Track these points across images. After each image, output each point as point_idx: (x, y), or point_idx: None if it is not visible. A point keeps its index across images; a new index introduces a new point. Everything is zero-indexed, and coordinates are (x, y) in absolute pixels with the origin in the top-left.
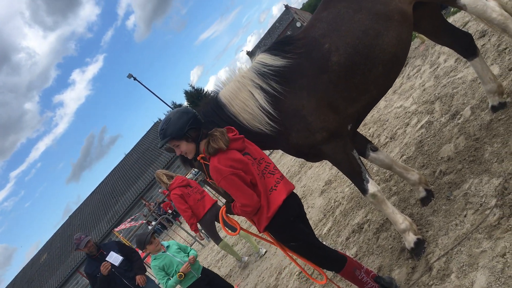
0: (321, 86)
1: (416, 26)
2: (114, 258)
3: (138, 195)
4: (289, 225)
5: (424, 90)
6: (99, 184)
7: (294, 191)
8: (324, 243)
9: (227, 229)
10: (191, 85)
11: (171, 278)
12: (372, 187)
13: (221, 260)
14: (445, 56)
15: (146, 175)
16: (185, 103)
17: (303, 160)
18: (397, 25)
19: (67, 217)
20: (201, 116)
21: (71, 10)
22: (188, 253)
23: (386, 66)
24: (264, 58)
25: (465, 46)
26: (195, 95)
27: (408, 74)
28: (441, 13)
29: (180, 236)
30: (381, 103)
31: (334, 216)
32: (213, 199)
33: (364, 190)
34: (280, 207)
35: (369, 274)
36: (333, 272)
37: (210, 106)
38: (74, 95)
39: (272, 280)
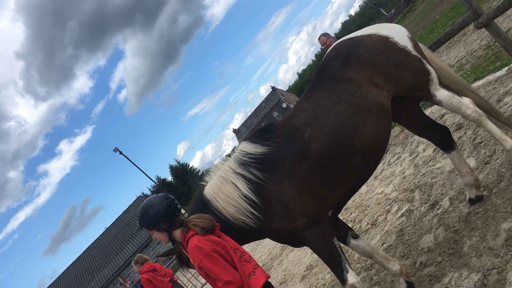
0: (302, 173)
1: (395, 117)
2: None
3: (115, 272)
4: None
5: (404, 177)
6: (76, 259)
7: (273, 276)
8: None
9: None
10: (176, 160)
11: None
12: (351, 277)
13: None
14: (424, 145)
15: (125, 251)
16: (170, 178)
17: None
18: (375, 117)
19: None
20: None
21: (64, 82)
22: None
23: (364, 156)
24: (244, 147)
25: (442, 139)
26: (180, 170)
27: (389, 161)
28: (419, 106)
29: None
30: (363, 188)
31: None
32: (174, 277)
33: (343, 281)
34: None
35: None
36: None
37: (196, 205)
38: (60, 165)
39: None
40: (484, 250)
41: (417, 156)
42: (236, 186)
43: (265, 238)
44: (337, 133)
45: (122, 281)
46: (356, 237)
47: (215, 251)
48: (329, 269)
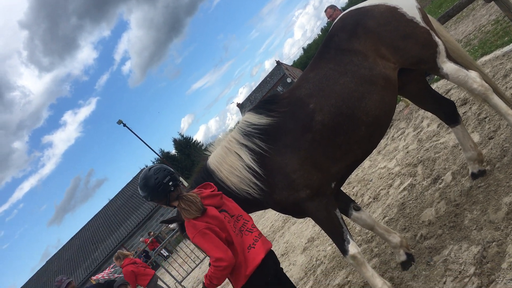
0: (305, 145)
1: (401, 90)
2: None
3: (118, 242)
4: (265, 286)
5: (407, 152)
6: (80, 229)
7: (275, 247)
8: None
9: None
10: (180, 134)
11: None
12: (352, 248)
13: None
14: (428, 120)
15: (129, 222)
16: (173, 151)
17: (287, 216)
18: (380, 89)
19: (45, 262)
20: (192, 185)
21: (68, 53)
22: None
23: (369, 128)
24: (249, 117)
25: (448, 113)
26: (184, 144)
27: (393, 136)
28: (426, 79)
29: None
30: (366, 162)
31: (315, 275)
32: (152, 270)
33: (344, 251)
34: (258, 266)
35: None
36: None
37: (200, 175)
38: (64, 136)
39: None
40: (484, 223)
41: (421, 131)
42: (240, 156)
43: (268, 208)
44: (342, 104)
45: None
46: (358, 209)
47: (208, 228)
48: (330, 241)
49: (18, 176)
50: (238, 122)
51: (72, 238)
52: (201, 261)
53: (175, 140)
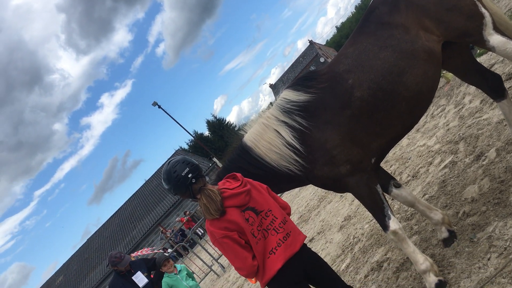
0: (344, 121)
1: (445, 64)
2: (140, 279)
3: (156, 221)
4: None
5: (448, 129)
6: (119, 209)
7: (310, 227)
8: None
9: None
10: (213, 115)
11: None
12: (394, 224)
13: None
14: (471, 97)
15: (165, 202)
16: (207, 132)
17: (323, 194)
18: (422, 63)
19: (86, 240)
20: (226, 163)
21: (104, 35)
22: (192, 279)
23: (409, 103)
24: (287, 94)
25: (493, 87)
26: (217, 125)
27: (432, 113)
28: (471, 52)
29: (195, 264)
30: (404, 141)
31: (353, 253)
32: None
33: (385, 227)
34: (274, 276)
35: None
36: None
37: (235, 152)
38: (102, 118)
39: None
40: None
41: (462, 107)
42: (279, 133)
43: (308, 184)
44: (382, 80)
45: (163, 230)
46: (398, 186)
47: (225, 236)
48: (367, 220)
49: (59, 157)
50: (270, 103)
51: (111, 216)
52: None
53: (208, 122)
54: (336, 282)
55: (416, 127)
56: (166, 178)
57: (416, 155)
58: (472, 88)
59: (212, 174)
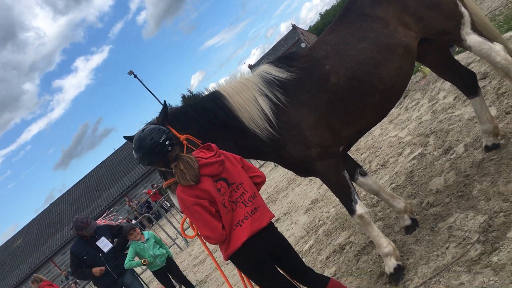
0: (320, 104)
1: (422, 59)
2: (105, 244)
3: (122, 191)
4: (248, 267)
5: (420, 123)
6: (85, 176)
7: (277, 208)
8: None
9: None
10: (189, 90)
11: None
12: (360, 208)
13: (198, 265)
14: (445, 92)
15: (133, 173)
16: None
17: (292, 177)
18: (398, 58)
19: (49, 204)
20: (192, 102)
21: None
22: (161, 246)
23: (383, 95)
24: (269, 68)
25: (467, 84)
26: (192, 101)
27: (406, 106)
28: (448, 49)
29: (159, 236)
30: (377, 131)
31: (317, 235)
32: None
33: (352, 211)
34: (238, 249)
35: None
36: None
37: (205, 96)
38: (75, 82)
39: None
40: (493, 194)
41: (436, 102)
42: (257, 100)
43: (270, 161)
44: (357, 69)
45: (128, 201)
46: (364, 174)
47: (196, 204)
48: (334, 204)
49: (27, 118)
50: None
51: (76, 183)
52: None
53: (183, 97)
54: (297, 263)
55: (389, 118)
56: (140, 146)
57: (387, 145)
58: (447, 85)
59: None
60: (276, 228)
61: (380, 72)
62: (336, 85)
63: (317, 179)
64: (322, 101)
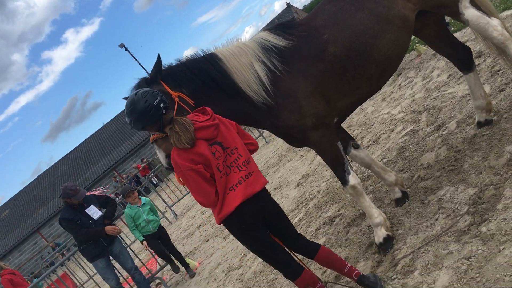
0: (317, 74)
1: (419, 32)
2: (94, 211)
3: (111, 165)
4: (240, 232)
5: (413, 100)
6: (73, 149)
7: (269, 184)
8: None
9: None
10: None
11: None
12: (352, 179)
13: (186, 238)
14: (439, 71)
15: (123, 147)
16: None
17: (283, 153)
18: (396, 29)
19: (36, 177)
20: (186, 69)
21: None
22: (155, 214)
23: (379, 67)
24: (266, 35)
25: (463, 59)
26: None
27: (400, 84)
28: (444, 23)
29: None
30: (369, 108)
31: (307, 208)
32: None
33: (344, 181)
34: (231, 213)
35: (352, 272)
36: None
37: (200, 57)
38: (64, 54)
39: (236, 261)
40: (484, 168)
41: (430, 80)
42: (253, 66)
43: (262, 128)
44: (355, 39)
45: (114, 177)
46: (356, 147)
47: (191, 169)
48: (325, 179)
49: (15, 89)
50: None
51: (64, 156)
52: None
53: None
54: (289, 229)
55: (382, 95)
56: (134, 109)
57: (379, 122)
58: (442, 63)
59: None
60: (270, 194)
61: (377, 43)
62: (334, 54)
63: (308, 154)
64: (319, 70)
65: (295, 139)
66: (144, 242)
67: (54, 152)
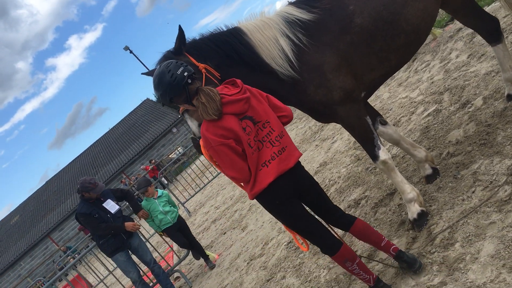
0: (343, 46)
1: (444, 4)
2: (111, 205)
3: (119, 168)
4: (274, 207)
5: (432, 82)
6: (81, 154)
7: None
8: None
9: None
10: None
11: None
12: (383, 154)
13: (202, 232)
14: (458, 52)
15: (130, 150)
16: None
17: (297, 144)
18: None
19: (45, 182)
20: (211, 42)
21: None
22: (172, 206)
23: (408, 37)
24: (290, 10)
25: (490, 30)
26: None
27: (416, 69)
28: None
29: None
30: (385, 94)
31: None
32: None
33: (375, 157)
34: (264, 190)
35: (389, 247)
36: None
37: (224, 31)
38: (68, 61)
39: (257, 250)
40: None
41: (448, 62)
42: (278, 40)
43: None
44: (383, 9)
45: (124, 178)
46: (384, 123)
47: (222, 144)
48: (345, 164)
49: (21, 97)
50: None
51: (72, 161)
52: (204, 186)
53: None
54: (325, 201)
55: (398, 81)
56: (160, 81)
57: (398, 106)
58: (460, 44)
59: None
60: (303, 167)
61: (406, 12)
62: (361, 26)
63: (324, 144)
64: (345, 43)
65: (322, 114)
66: (162, 233)
67: (60, 159)
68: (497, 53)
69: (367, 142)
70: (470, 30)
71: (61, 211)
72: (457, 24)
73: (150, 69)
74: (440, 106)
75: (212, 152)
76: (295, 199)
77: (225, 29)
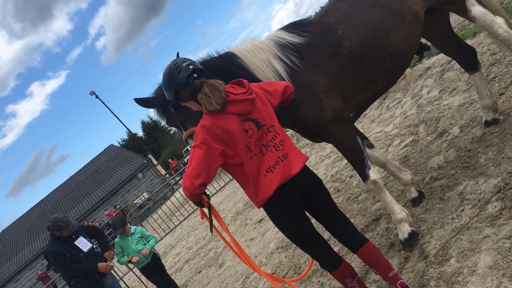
0: (333, 68)
1: (426, 32)
2: (84, 243)
3: (81, 215)
4: (280, 216)
5: (406, 117)
6: (40, 201)
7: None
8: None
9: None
10: (149, 116)
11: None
12: (373, 174)
13: (175, 273)
14: (429, 88)
15: (93, 196)
16: (141, 133)
17: None
18: (408, 24)
19: (0, 231)
20: (205, 68)
21: (42, 21)
22: (149, 241)
23: (393, 61)
24: (281, 34)
25: (468, 59)
26: (152, 127)
27: (388, 106)
28: (450, 23)
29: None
30: (359, 127)
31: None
32: None
33: (365, 176)
34: (271, 197)
35: (396, 280)
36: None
37: (220, 57)
38: (29, 108)
39: (238, 285)
40: (503, 159)
41: (420, 98)
42: (271, 62)
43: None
44: (370, 34)
45: (87, 224)
46: (371, 146)
47: (205, 143)
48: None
49: None
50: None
51: (31, 209)
52: (174, 227)
53: (143, 123)
54: (334, 210)
55: (370, 118)
56: (168, 76)
57: (373, 140)
58: (430, 81)
59: (145, 171)
60: (311, 171)
61: (391, 38)
62: (349, 49)
63: (311, 158)
64: (335, 65)
65: (315, 133)
66: (132, 257)
67: (17, 207)
68: (475, 81)
69: (358, 161)
70: (439, 68)
71: (18, 261)
72: (426, 63)
73: (116, 113)
74: (417, 137)
75: (192, 148)
76: (301, 210)
77: (216, 55)
